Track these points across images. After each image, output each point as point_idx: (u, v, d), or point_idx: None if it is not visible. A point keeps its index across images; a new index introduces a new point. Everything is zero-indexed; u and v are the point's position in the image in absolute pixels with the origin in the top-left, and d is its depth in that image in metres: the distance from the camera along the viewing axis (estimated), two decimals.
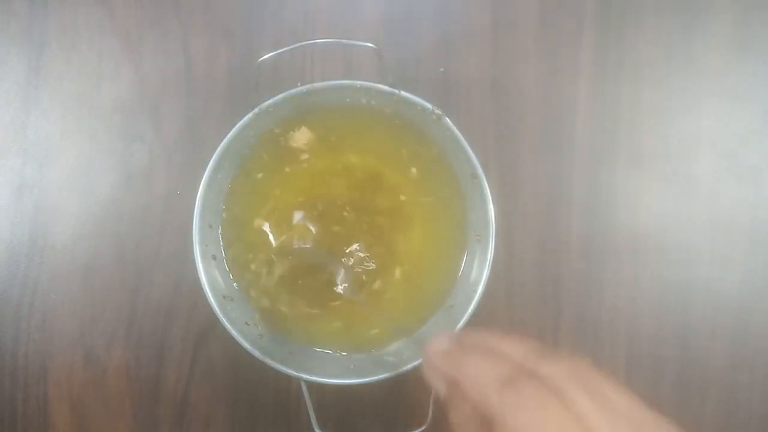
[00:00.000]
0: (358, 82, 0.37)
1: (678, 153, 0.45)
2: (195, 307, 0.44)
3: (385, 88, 0.37)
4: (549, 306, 0.44)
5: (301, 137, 0.40)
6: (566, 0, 0.45)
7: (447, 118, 0.37)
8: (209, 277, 0.38)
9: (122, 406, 0.44)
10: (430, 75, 0.45)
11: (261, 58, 0.36)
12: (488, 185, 0.37)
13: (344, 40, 0.38)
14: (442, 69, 0.45)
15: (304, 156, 0.40)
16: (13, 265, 0.44)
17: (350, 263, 0.40)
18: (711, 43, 0.45)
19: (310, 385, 0.37)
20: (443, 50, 0.45)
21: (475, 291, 0.37)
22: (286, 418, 0.44)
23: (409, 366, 0.36)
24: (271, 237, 0.40)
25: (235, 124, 0.37)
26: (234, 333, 0.36)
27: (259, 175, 0.40)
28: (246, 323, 0.39)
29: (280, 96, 0.37)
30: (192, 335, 0.44)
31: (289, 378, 0.36)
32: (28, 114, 0.45)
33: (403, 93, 0.37)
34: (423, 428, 0.36)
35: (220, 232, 0.40)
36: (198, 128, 0.45)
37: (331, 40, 0.42)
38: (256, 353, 0.36)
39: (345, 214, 0.40)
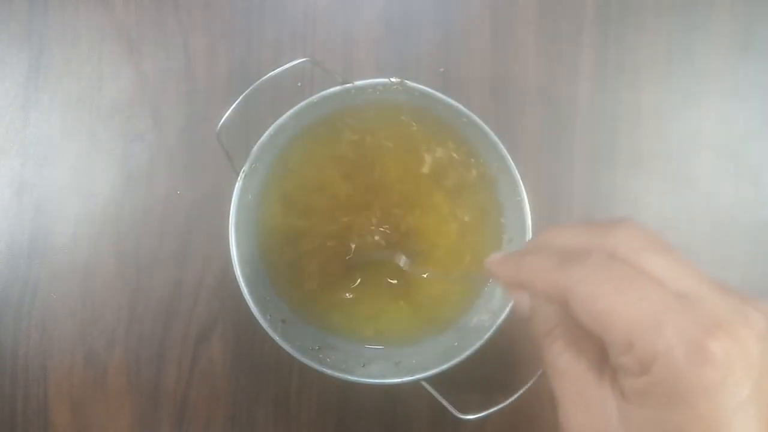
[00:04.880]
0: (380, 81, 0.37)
1: (678, 153, 0.45)
2: (195, 307, 0.44)
3: (417, 86, 0.37)
4: None
5: (338, 136, 0.40)
6: (566, 0, 0.45)
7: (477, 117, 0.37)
8: (246, 278, 0.37)
9: (122, 406, 0.44)
10: (430, 75, 0.45)
11: (219, 124, 0.35)
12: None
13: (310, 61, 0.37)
14: (442, 69, 0.45)
15: (343, 154, 0.40)
16: (13, 266, 0.44)
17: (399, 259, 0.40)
18: (711, 43, 0.45)
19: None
20: (443, 50, 0.45)
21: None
22: (287, 418, 0.44)
23: (429, 373, 0.36)
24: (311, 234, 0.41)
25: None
26: (268, 328, 0.36)
27: (296, 171, 0.40)
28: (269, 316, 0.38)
29: (317, 96, 0.37)
30: (192, 335, 0.44)
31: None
32: (28, 114, 0.45)
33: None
34: None
35: (255, 227, 0.40)
36: (198, 128, 0.45)
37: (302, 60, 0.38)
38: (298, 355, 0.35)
39: (394, 211, 0.41)
